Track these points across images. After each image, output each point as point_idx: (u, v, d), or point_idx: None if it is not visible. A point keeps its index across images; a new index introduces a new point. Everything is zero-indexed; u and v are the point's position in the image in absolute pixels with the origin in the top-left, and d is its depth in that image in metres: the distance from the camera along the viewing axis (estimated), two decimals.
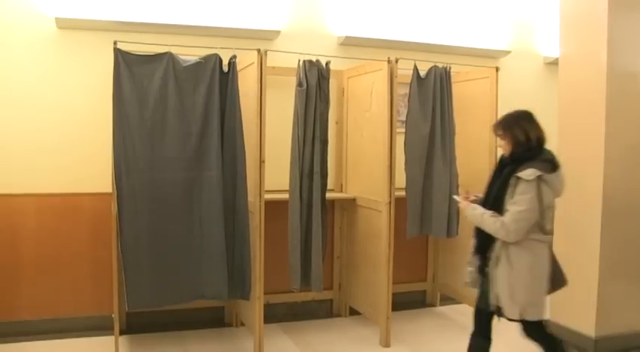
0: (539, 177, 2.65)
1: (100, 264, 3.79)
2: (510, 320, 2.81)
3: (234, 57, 3.39)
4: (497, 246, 2.77)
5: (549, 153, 2.79)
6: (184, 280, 3.36)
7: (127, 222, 3.23)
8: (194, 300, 3.48)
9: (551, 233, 2.82)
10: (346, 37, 4.36)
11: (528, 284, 2.76)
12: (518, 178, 2.67)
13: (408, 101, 3.95)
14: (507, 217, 2.68)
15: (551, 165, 2.73)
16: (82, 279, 3.87)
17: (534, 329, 2.92)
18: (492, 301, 2.81)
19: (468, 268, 2.98)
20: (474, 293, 4.26)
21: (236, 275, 3.40)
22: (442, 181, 4.03)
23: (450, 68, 3.99)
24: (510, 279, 2.74)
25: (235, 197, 3.40)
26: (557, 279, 2.90)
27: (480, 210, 2.81)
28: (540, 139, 2.77)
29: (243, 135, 3.38)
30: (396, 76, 3.72)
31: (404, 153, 3.95)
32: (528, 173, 2.65)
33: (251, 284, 3.41)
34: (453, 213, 4.07)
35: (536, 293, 2.80)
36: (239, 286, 3.42)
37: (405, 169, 3.93)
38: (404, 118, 4.05)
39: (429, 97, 3.90)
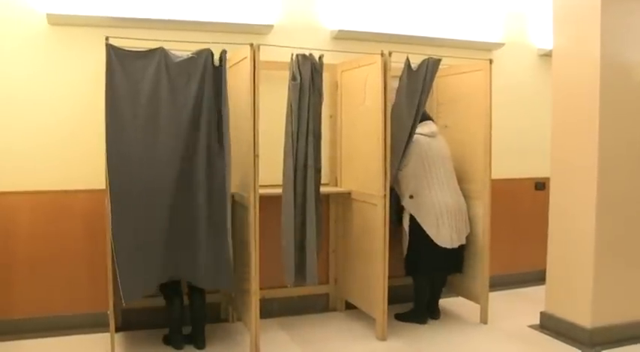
0: None
1: (94, 260, 3.80)
2: None
3: (225, 52, 3.39)
4: None
5: None
6: (171, 263, 3.39)
7: (119, 218, 3.23)
8: (179, 277, 3.52)
9: None
10: (339, 30, 4.36)
11: None
12: None
13: (397, 93, 3.95)
14: None
15: None
16: (77, 276, 3.89)
17: None
18: None
19: None
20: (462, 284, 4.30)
21: (222, 266, 3.43)
22: None
23: (439, 60, 3.96)
24: None
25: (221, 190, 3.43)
26: None
27: None
28: None
29: (228, 129, 3.38)
30: (390, 69, 3.72)
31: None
32: None
33: (231, 274, 3.43)
34: None
35: None
36: (224, 277, 3.45)
37: (390, 164, 3.89)
38: None
39: (418, 89, 3.90)
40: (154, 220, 3.34)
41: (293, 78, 3.66)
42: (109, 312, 3.38)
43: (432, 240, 3.95)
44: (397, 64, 3.82)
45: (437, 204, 3.95)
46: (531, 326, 4.05)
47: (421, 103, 3.93)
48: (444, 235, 3.96)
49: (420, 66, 3.92)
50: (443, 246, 3.96)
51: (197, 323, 3.67)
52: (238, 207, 3.69)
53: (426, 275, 4.12)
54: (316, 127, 3.72)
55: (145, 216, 3.31)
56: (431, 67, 3.90)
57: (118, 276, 3.21)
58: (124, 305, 3.26)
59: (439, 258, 3.99)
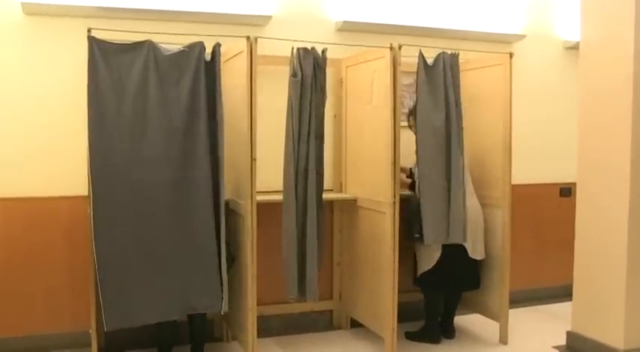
0: None
1: (76, 274, 3.77)
2: None
3: (218, 45, 3.38)
4: None
5: None
6: (171, 293, 3.32)
7: (103, 229, 3.18)
8: (184, 315, 3.45)
9: None
10: (344, 22, 4.33)
11: None
12: None
13: (417, 91, 3.87)
14: None
15: None
16: (57, 292, 3.84)
17: None
18: None
19: None
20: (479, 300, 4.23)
21: (217, 287, 3.39)
22: (460, 180, 3.91)
23: (458, 54, 3.92)
24: None
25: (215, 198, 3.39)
26: None
27: None
28: None
29: (223, 131, 3.36)
30: (400, 64, 3.68)
31: (416, 150, 3.83)
32: None
33: (223, 294, 3.36)
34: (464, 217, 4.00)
35: None
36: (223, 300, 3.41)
37: (418, 167, 3.81)
38: (407, 110, 4.01)
39: (440, 86, 3.83)
40: (142, 235, 3.27)
41: (293, 74, 3.64)
42: (90, 331, 3.37)
43: (466, 252, 3.99)
44: (408, 59, 3.76)
45: (471, 213, 3.98)
46: (556, 347, 4.00)
47: (450, 101, 3.81)
48: (477, 245, 4.03)
49: (437, 61, 3.86)
50: (475, 257, 4.03)
51: (196, 345, 3.66)
52: (233, 215, 3.65)
53: (448, 291, 4.15)
54: (319, 128, 3.69)
55: (132, 227, 3.25)
56: (448, 61, 3.83)
57: (100, 299, 3.15)
58: (106, 330, 3.20)
59: (467, 272, 4.07)
